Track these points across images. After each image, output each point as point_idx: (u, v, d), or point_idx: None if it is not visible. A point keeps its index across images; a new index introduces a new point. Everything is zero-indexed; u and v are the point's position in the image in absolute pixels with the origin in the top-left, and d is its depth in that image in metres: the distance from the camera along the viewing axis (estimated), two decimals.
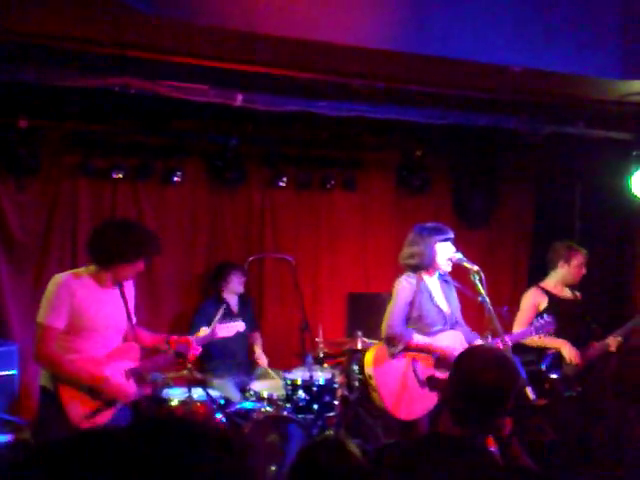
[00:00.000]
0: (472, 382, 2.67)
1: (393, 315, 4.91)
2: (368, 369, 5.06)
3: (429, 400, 4.90)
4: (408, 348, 4.91)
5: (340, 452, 2.58)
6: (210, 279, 6.70)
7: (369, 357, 5.10)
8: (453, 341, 4.96)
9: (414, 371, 4.93)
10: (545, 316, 5.25)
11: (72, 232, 6.30)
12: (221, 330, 4.88)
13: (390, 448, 2.72)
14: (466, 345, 4.92)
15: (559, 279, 5.97)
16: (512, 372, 2.81)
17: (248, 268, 6.63)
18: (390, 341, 4.91)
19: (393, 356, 4.93)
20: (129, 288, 4.41)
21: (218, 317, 4.88)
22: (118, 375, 4.20)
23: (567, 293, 6.01)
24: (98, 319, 4.15)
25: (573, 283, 6.01)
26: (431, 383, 4.91)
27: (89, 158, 6.27)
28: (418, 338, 4.89)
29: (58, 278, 4.14)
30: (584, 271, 5.97)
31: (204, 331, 4.82)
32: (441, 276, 5.10)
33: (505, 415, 2.78)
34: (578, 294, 6.08)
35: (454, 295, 5.15)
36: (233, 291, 6.48)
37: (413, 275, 4.97)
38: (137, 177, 6.52)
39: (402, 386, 4.93)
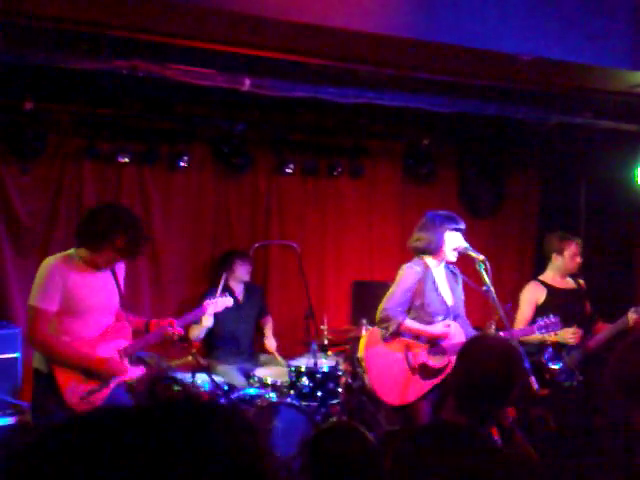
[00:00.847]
0: (478, 372, 2.66)
1: (390, 298, 4.90)
2: (360, 352, 5.09)
3: (419, 387, 4.88)
4: (400, 332, 4.89)
5: (353, 437, 2.58)
6: (215, 267, 6.68)
7: (362, 341, 5.14)
8: (452, 330, 4.95)
9: (406, 357, 4.92)
10: (551, 316, 5.19)
11: (77, 215, 6.27)
12: (209, 306, 4.89)
13: (393, 435, 2.72)
14: (464, 338, 4.91)
15: (556, 270, 5.94)
16: (518, 362, 2.80)
17: (253, 255, 6.62)
18: (383, 322, 4.89)
19: (385, 339, 4.93)
20: (120, 267, 4.40)
21: (215, 296, 4.92)
22: (112, 354, 4.21)
23: (568, 283, 5.98)
24: (90, 301, 4.15)
25: (571, 273, 5.97)
26: (423, 371, 4.90)
27: (95, 141, 6.25)
28: (411, 322, 4.88)
29: (49, 261, 4.15)
30: (579, 260, 5.91)
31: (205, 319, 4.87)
32: (448, 267, 5.07)
33: (510, 405, 2.77)
34: (582, 282, 6.03)
35: (460, 288, 5.13)
36: (239, 279, 6.47)
37: (419, 262, 4.95)
38: (143, 161, 6.50)
39: (392, 371, 4.92)
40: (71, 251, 4.24)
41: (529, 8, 4.91)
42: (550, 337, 5.54)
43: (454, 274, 5.11)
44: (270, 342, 6.48)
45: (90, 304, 4.16)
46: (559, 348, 5.64)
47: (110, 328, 4.30)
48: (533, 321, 5.54)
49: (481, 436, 2.63)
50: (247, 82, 5.17)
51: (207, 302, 4.93)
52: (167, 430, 0.81)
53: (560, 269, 5.93)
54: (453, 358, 4.84)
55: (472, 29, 4.75)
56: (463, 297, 5.16)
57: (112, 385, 4.19)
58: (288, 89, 5.41)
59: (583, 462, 5.39)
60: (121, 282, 4.40)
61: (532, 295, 5.88)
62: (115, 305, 4.37)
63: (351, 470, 2.49)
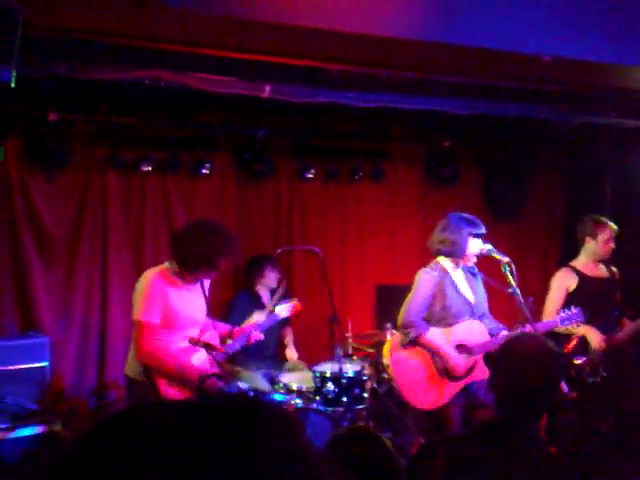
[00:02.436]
0: (519, 376, 2.64)
1: (411, 304, 4.87)
2: (385, 359, 5.08)
3: (448, 389, 4.86)
4: (418, 342, 4.86)
5: (371, 441, 2.57)
6: (244, 271, 6.71)
7: (386, 347, 5.12)
8: (469, 333, 4.89)
9: (433, 360, 4.90)
10: (572, 307, 5.13)
11: (102, 224, 6.34)
12: (281, 311, 5.03)
13: (441, 442, 2.69)
14: (487, 337, 4.88)
15: (589, 256, 5.78)
16: (558, 364, 2.78)
17: (276, 260, 6.63)
18: (404, 328, 4.87)
19: (404, 345, 4.91)
20: (206, 282, 4.53)
21: (276, 299, 5.00)
22: (205, 364, 4.34)
23: (601, 271, 5.82)
24: (184, 314, 4.28)
25: (603, 259, 5.81)
26: (452, 374, 4.87)
27: (118, 151, 6.30)
28: (432, 336, 4.83)
29: (149, 275, 4.26)
30: (612, 245, 5.74)
31: (258, 315, 4.91)
32: (466, 268, 5.05)
33: (552, 406, 2.75)
34: (614, 269, 5.88)
35: (481, 286, 5.09)
36: (267, 285, 6.48)
37: (436, 266, 4.92)
38: (166, 170, 6.55)
39: (420, 375, 4.90)
40: (166, 265, 4.34)
41: (549, 9, 4.88)
42: (576, 330, 5.44)
43: (473, 274, 5.07)
44: (291, 352, 6.51)
45: (184, 317, 4.29)
46: (584, 342, 5.53)
47: (201, 337, 4.40)
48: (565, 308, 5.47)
49: (532, 438, 2.60)
50: (267, 89, 5.19)
51: (278, 308, 5.10)
52: (218, 425, 0.82)
53: (593, 254, 5.77)
54: (480, 357, 4.85)
55: (492, 31, 4.74)
56: (485, 295, 5.12)
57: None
58: (308, 95, 5.43)
59: (609, 463, 5.32)
60: (207, 290, 4.51)
61: (563, 282, 5.74)
62: (203, 317, 4.48)
63: (367, 474, 2.48)
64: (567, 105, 6.21)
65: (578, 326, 5.27)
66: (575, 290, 5.69)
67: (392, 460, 2.52)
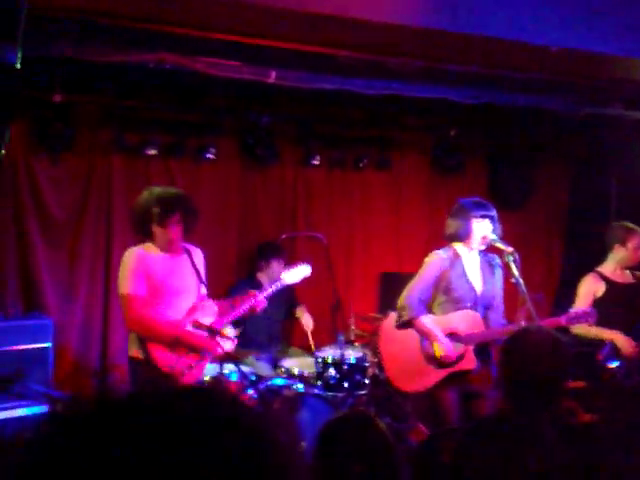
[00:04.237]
0: (527, 368, 2.64)
1: (414, 286, 4.89)
2: (378, 339, 5.17)
3: (433, 376, 4.85)
4: (412, 325, 4.86)
5: (365, 426, 2.57)
6: (249, 257, 6.70)
7: (381, 327, 5.20)
8: (462, 322, 4.85)
9: (421, 344, 4.90)
10: (586, 308, 5.06)
11: (107, 207, 6.35)
12: (288, 276, 5.03)
13: (447, 435, 2.69)
14: (481, 328, 4.84)
15: (617, 262, 5.77)
16: (566, 355, 2.77)
17: (283, 251, 6.62)
18: (401, 309, 4.88)
19: (397, 326, 4.91)
20: (199, 259, 4.69)
21: (284, 270, 5.01)
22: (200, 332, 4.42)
23: (627, 277, 5.81)
24: (171, 283, 4.42)
25: (633, 265, 5.80)
26: (438, 360, 4.85)
27: (123, 134, 6.29)
28: (426, 320, 4.83)
29: (131, 251, 4.46)
30: None
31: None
32: (486, 257, 5.02)
33: (562, 395, 2.75)
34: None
35: (497, 279, 5.01)
36: (270, 275, 6.43)
37: (448, 249, 4.92)
38: (170, 154, 6.54)
39: (406, 357, 4.92)
40: (147, 243, 4.53)
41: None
42: (603, 335, 5.43)
43: (491, 265, 5.02)
44: (307, 320, 6.40)
45: (171, 286, 4.42)
46: (616, 347, 5.47)
47: (195, 307, 4.54)
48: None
49: (539, 429, 2.60)
50: (273, 74, 5.17)
51: (284, 273, 5.08)
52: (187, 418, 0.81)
53: (622, 261, 5.76)
54: (470, 348, 4.84)
55: (501, 20, 4.71)
56: (500, 290, 5.04)
57: (207, 359, 4.49)
58: (315, 81, 5.41)
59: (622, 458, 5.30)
60: (202, 271, 4.65)
61: (590, 288, 5.72)
62: (195, 288, 4.59)
63: (362, 458, 2.48)
64: (575, 96, 6.18)
65: (590, 326, 5.25)
66: (602, 296, 5.67)
67: (387, 444, 2.52)
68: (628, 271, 5.84)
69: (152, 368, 4.25)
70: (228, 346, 4.51)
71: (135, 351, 4.38)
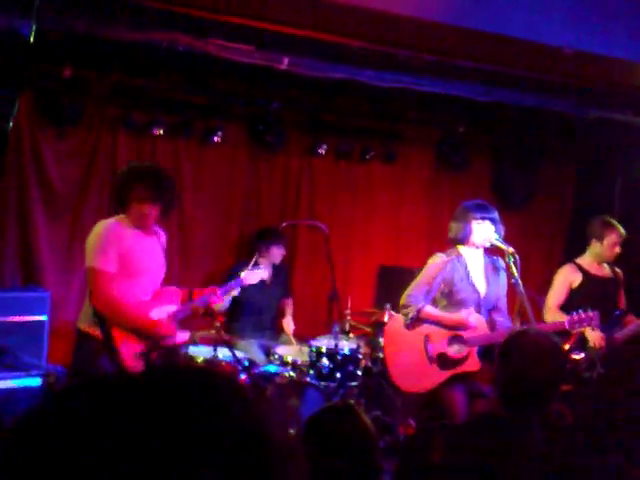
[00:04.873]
0: (522, 370, 2.64)
1: (415, 285, 4.91)
2: (382, 338, 5.17)
3: (435, 377, 4.86)
4: (421, 318, 4.88)
5: (348, 417, 2.57)
6: (245, 242, 6.70)
7: (386, 328, 5.21)
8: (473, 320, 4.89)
9: (425, 346, 4.92)
10: (589, 310, 5.02)
11: (110, 184, 6.33)
12: (247, 277, 4.94)
13: (438, 431, 2.69)
14: (485, 331, 4.84)
15: (594, 256, 5.78)
16: (562, 360, 2.78)
17: (283, 237, 6.62)
18: (403, 308, 4.90)
19: (406, 326, 4.93)
20: (162, 238, 4.58)
21: (249, 267, 4.96)
22: (162, 318, 4.34)
23: (605, 271, 5.81)
24: (144, 262, 4.31)
25: (608, 261, 5.81)
26: (442, 361, 4.87)
27: (130, 112, 6.28)
28: (431, 308, 4.87)
29: (104, 223, 4.29)
30: (618, 250, 5.72)
31: (244, 273, 4.92)
32: (491, 258, 5.02)
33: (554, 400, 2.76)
34: (619, 271, 5.87)
35: (500, 281, 5.00)
36: (269, 260, 6.43)
37: (452, 251, 4.93)
38: (177, 134, 6.52)
39: (410, 359, 4.92)
40: (121, 216, 4.37)
41: (574, 1, 4.85)
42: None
43: (495, 267, 5.00)
44: (288, 324, 6.47)
45: (144, 265, 4.32)
46: (583, 338, 5.50)
47: (161, 292, 4.45)
48: (565, 304, 5.47)
49: (531, 432, 2.61)
50: (285, 61, 5.16)
51: (244, 273, 4.97)
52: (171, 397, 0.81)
53: (597, 256, 5.77)
54: (474, 349, 4.85)
55: (515, 19, 4.70)
56: (504, 291, 5.03)
57: (162, 347, 4.32)
58: (326, 70, 5.40)
59: (603, 458, 5.34)
60: (163, 245, 4.57)
61: (566, 278, 5.75)
62: (163, 270, 4.51)
63: (344, 450, 2.48)
64: (584, 99, 6.18)
65: (593, 330, 5.26)
66: (578, 287, 5.69)
67: (367, 436, 2.51)
68: (607, 265, 5.84)
69: (109, 347, 4.08)
70: (182, 337, 4.46)
71: (87, 325, 4.22)
